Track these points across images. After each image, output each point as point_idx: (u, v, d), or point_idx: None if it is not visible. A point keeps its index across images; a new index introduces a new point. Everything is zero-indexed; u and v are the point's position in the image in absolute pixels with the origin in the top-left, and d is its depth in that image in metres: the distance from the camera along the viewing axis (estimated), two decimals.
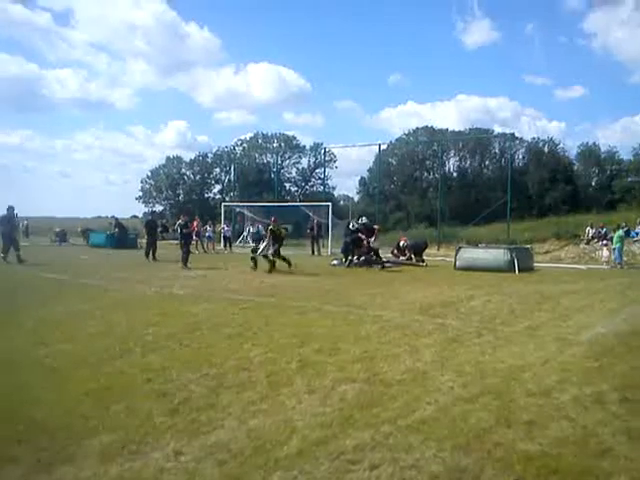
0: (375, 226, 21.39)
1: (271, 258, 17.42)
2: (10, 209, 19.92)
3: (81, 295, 11.50)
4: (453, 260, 19.27)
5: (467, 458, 3.75)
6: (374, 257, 20.90)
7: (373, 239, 19.10)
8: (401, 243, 22.02)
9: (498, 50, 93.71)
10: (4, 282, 13.48)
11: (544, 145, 61.44)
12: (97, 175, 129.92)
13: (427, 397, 5.04)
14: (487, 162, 62.35)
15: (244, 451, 3.84)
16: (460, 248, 19.63)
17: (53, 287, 12.97)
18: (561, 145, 62.06)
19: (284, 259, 17.85)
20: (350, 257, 19.89)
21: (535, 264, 19.29)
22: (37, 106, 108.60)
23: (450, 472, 3.56)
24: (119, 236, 30.30)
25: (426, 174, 61.79)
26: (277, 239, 17.62)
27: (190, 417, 4.48)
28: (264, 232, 20.13)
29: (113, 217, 33.24)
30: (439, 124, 71.42)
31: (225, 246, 30.85)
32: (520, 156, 61.03)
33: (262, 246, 18.03)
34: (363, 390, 5.24)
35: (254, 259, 17.93)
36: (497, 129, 69.62)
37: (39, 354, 6.45)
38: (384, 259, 21.24)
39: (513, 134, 60.19)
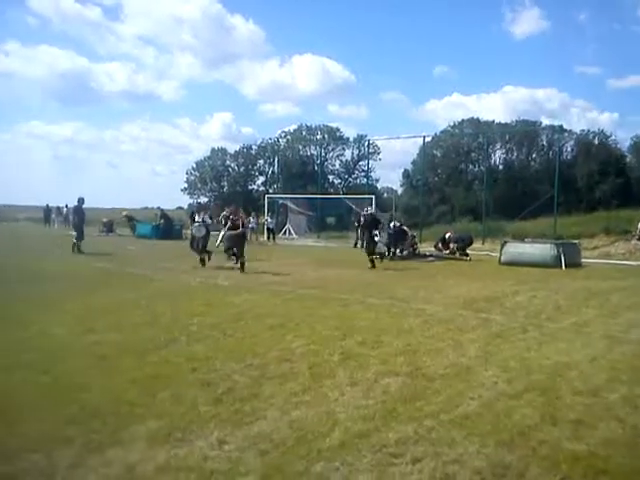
0: (405, 228, 21.16)
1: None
2: (80, 200, 20.63)
3: (128, 284, 11.76)
4: (498, 255, 18.97)
5: (511, 455, 3.70)
6: (417, 251, 20.83)
7: (377, 231, 18.15)
8: (447, 235, 21.73)
9: (547, 40, 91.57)
10: (56, 271, 13.85)
11: (594, 137, 59.77)
12: (143, 166, 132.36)
13: (470, 392, 4.99)
14: (534, 155, 61.02)
15: (286, 442, 3.87)
16: (505, 242, 19.29)
17: (101, 276, 13.29)
18: (613, 137, 60.25)
19: (234, 254, 16.21)
20: (393, 250, 19.79)
21: (583, 260, 18.82)
22: (87, 99, 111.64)
23: (494, 468, 3.52)
24: (165, 227, 30.78)
25: (471, 167, 60.90)
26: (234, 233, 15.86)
27: (234, 407, 4.54)
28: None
29: (159, 208, 33.79)
30: (485, 116, 70.30)
31: (268, 238, 31.06)
32: (568, 148, 59.53)
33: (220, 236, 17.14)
34: (406, 383, 5.22)
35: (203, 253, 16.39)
36: (545, 121, 68.25)
37: (88, 341, 6.63)
38: (427, 253, 21.12)
39: (561, 126, 58.70)
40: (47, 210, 47.64)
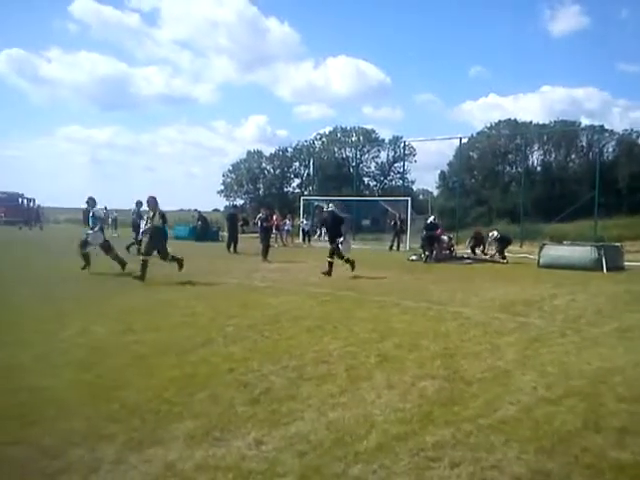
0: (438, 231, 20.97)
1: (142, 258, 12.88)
2: (138, 204, 21.16)
3: (165, 286, 11.91)
4: (536, 257, 18.69)
5: (552, 462, 3.63)
6: (454, 253, 20.67)
7: (341, 237, 15.71)
8: (491, 234, 21.38)
9: (587, 37, 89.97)
10: (98, 272, 14.11)
11: (637, 137, 58.43)
12: (180, 168, 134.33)
13: (509, 397, 4.92)
14: (573, 156, 59.99)
15: (324, 443, 3.87)
16: (544, 245, 19.01)
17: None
18: None
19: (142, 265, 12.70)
20: (428, 252, 19.66)
21: (626, 263, 18.41)
22: (125, 103, 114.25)
23: (534, 475, 3.45)
24: (202, 229, 31.15)
25: (508, 168, 60.17)
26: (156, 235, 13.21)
27: (271, 407, 4.56)
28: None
29: (196, 210, 34.19)
30: (522, 117, 69.19)
31: (304, 240, 31.14)
32: (609, 149, 58.33)
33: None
34: (443, 387, 5.17)
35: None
36: (584, 121, 66.85)
37: (128, 340, 6.74)
38: (464, 255, 20.94)
39: (602, 126, 57.56)
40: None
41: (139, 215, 20.49)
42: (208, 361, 5.93)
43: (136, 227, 20.31)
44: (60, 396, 4.75)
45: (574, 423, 4.30)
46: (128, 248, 19.56)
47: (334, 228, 15.40)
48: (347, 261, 14.95)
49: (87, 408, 4.46)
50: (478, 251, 21.57)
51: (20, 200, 52.52)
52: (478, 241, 21.85)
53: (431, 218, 21.41)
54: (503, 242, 20.77)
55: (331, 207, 16.53)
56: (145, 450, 3.72)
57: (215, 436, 3.97)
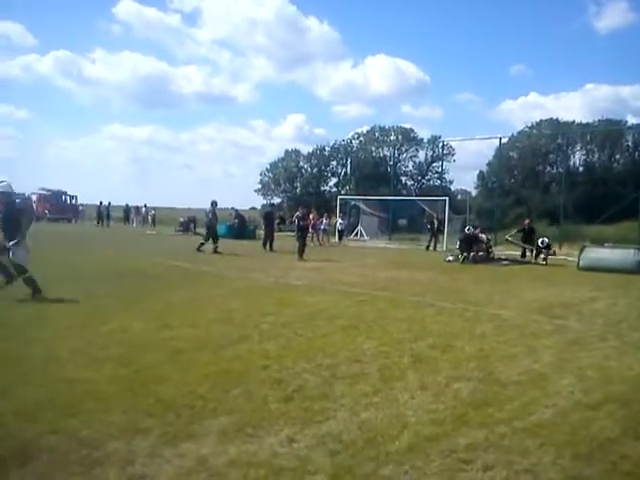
0: (478, 233, 20.68)
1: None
2: (213, 204, 21.93)
3: (202, 282, 12.07)
4: (576, 260, 18.32)
5: (589, 468, 3.56)
6: (492, 254, 20.41)
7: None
8: (541, 240, 20.86)
9: (636, 33, 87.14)
10: (134, 268, 14.37)
11: None
12: (218, 167, 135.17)
13: (545, 400, 4.85)
14: (617, 155, 58.41)
15: (356, 443, 3.88)
16: (584, 247, 18.60)
17: (178, 274, 13.65)
18: None
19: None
20: (466, 253, 19.45)
21: None
22: (165, 101, 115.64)
23: None
24: (239, 227, 31.39)
25: (549, 168, 58.94)
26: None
27: (304, 405, 4.58)
28: None
29: (233, 209, 34.46)
30: (564, 116, 67.57)
31: (338, 239, 31.11)
32: None
33: None
34: (477, 389, 5.12)
35: None
36: (630, 120, 65.18)
37: (165, 336, 6.85)
38: (503, 257, 20.69)
39: None
40: (127, 210, 49.62)
41: (214, 214, 21.48)
42: (243, 357, 5.99)
43: (210, 228, 21.19)
44: (98, 391, 4.86)
45: (613, 429, 4.21)
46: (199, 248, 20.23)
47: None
48: None
49: (123, 403, 4.55)
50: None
51: (63, 197, 53.89)
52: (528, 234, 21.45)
53: (467, 229, 21.11)
54: (548, 247, 20.42)
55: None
56: (179, 444, 3.78)
57: (248, 432, 4.01)
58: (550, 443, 3.91)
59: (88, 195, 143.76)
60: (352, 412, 4.46)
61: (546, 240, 20.52)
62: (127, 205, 50.49)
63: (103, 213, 44.63)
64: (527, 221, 22.44)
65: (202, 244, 20.68)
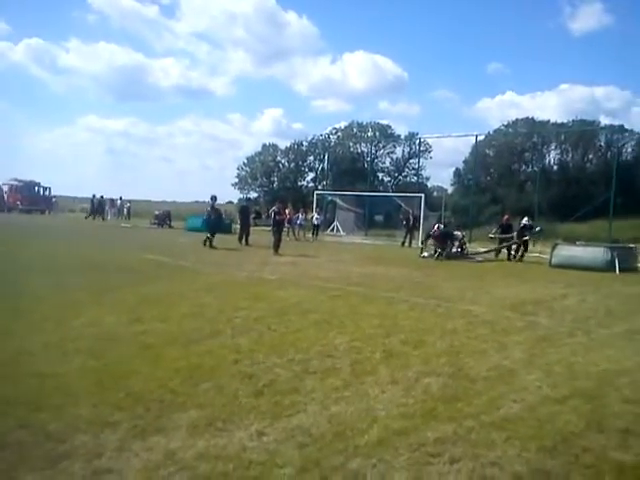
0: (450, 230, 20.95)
1: None
2: (213, 198, 22.37)
3: (176, 276, 11.99)
4: (548, 257, 18.57)
5: (553, 461, 3.64)
6: (466, 251, 20.60)
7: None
8: (524, 221, 21.15)
9: (610, 35, 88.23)
10: (110, 262, 14.24)
11: None
12: (195, 161, 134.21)
13: (513, 395, 4.93)
14: (591, 155, 59.25)
15: (325, 436, 3.90)
16: (557, 245, 18.87)
17: (151, 268, 13.52)
18: None
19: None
20: (440, 250, 19.61)
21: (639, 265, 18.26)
22: (142, 94, 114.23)
23: (534, 474, 3.47)
24: (215, 221, 31.23)
25: (524, 167, 59.57)
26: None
27: (274, 400, 4.60)
28: None
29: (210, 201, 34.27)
30: (540, 115, 68.42)
31: (313, 234, 31.11)
32: (629, 149, 57.53)
33: None
34: (447, 384, 5.18)
35: None
36: (603, 120, 66.07)
37: (136, 330, 6.80)
38: (480, 251, 20.94)
39: (622, 126, 56.86)
40: (102, 202, 48.91)
41: (214, 209, 21.89)
42: (214, 352, 5.98)
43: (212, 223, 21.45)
44: (66, 384, 4.82)
45: (577, 423, 4.29)
46: (205, 243, 20.23)
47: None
48: None
49: (92, 396, 4.52)
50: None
51: (36, 189, 53.00)
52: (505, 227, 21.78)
53: (437, 225, 21.40)
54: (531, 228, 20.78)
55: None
56: (148, 438, 3.77)
57: (218, 426, 4.01)
58: (516, 437, 3.98)
59: (62, 187, 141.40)
60: (322, 406, 4.48)
61: (528, 222, 20.88)
62: (102, 197, 49.80)
63: (97, 206, 43.88)
64: (506, 217, 22.66)
65: (209, 240, 20.60)
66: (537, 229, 21.92)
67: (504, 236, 21.43)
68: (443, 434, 4.00)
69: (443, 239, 19.79)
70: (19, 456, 3.46)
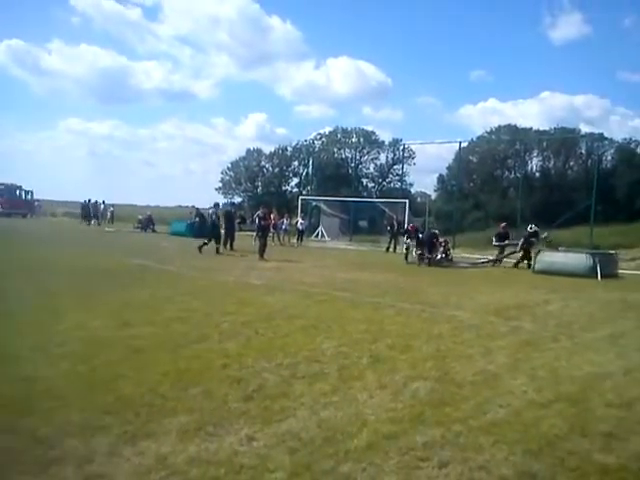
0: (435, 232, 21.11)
1: None
2: (216, 206, 22.78)
3: (162, 281, 11.97)
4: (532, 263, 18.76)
5: (539, 464, 3.70)
6: (450, 257, 20.73)
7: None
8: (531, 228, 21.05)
9: (589, 45, 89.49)
10: (96, 267, 14.16)
11: (636, 146, 58.47)
12: (178, 165, 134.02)
13: (499, 400, 4.98)
14: (572, 163, 59.98)
15: (315, 441, 3.93)
16: (539, 251, 19.06)
17: (138, 272, 13.48)
18: None
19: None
20: (425, 256, 19.72)
21: (620, 271, 18.50)
22: (125, 97, 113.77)
23: (520, 476, 3.52)
24: (199, 225, 31.16)
25: (507, 173, 60.12)
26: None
27: (263, 404, 4.61)
28: None
29: (193, 207, 34.20)
30: (521, 122, 69.00)
31: (298, 239, 31.13)
32: (608, 157, 58.35)
33: None
34: (434, 389, 5.23)
35: None
36: (583, 128, 66.75)
37: (124, 334, 6.79)
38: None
39: (602, 134, 57.64)
40: (85, 206, 48.46)
41: (217, 215, 21.94)
42: (202, 357, 5.98)
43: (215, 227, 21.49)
44: (55, 388, 4.80)
45: (562, 427, 4.36)
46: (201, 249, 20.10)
47: None
48: None
49: (81, 400, 4.51)
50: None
51: (18, 192, 52.45)
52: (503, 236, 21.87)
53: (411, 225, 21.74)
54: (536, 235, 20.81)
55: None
56: (138, 443, 3.77)
57: (208, 431, 4.02)
58: (503, 441, 4.04)
59: (44, 190, 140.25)
60: (312, 411, 4.51)
61: (534, 227, 20.96)
62: (88, 200, 49.33)
63: (92, 211, 43.48)
64: (503, 224, 22.81)
65: (217, 248, 20.64)
66: (545, 235, 21.83)
67: (504, 243, 21.52)
68: (432, 438, 4.04)
69: (429, 245, 19.89)
70: (9, 461, 3.45)
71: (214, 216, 21.87)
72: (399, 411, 4.58)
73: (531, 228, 20.95)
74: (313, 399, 4.79)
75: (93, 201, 44.87)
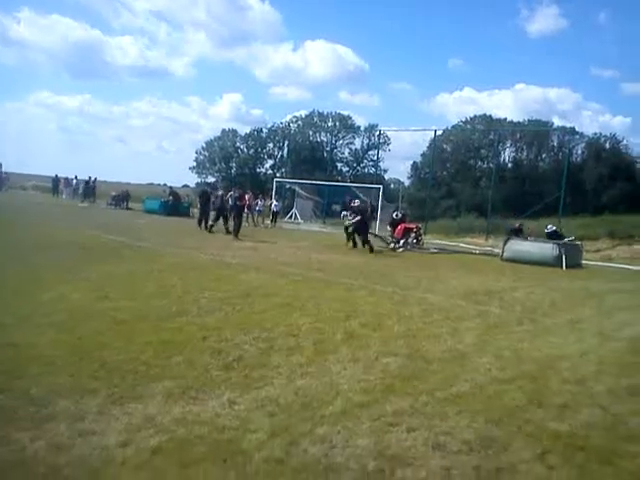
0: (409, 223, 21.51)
1: None
2: (214, 187, 21.90)
3: (139, 257, 12.07)
4: (500, 251, 19.24)
5: (498, 430, 4.03)
6: (422, 242, 21.14)
7: None
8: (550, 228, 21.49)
9: (564, 39, 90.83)
10: (72, 241, 14.17)
11: (606, 141, 59.62)
12: (151, 142, 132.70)
13: (465, 375, 5.31)
14: (544, 155, 60.97)
15: (292, 406, 4.21)
16: (508, 240, 19.54)
17: (114, 248, 13.53)
18: (624, 142, 59.94)
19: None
20: (396, 240, 20.09)
21: (584, 262, 19.08)
22: (98, 72, 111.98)
23: (481, 440, 3.84)
24: (173, 204, 31.14)
25: (480, 163, 60.86)
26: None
27: (243, 373, 4.87)
28: None
29: (166, 185, 34.14)
30: (496, 113, 70.02)
31: (272, 220, 31.29)
32: (579, 151, 59.44)
33: None
34: (404, 364, 5.53)
35: None
36: (556, 121, 68.21)
37: (105, 307, 6.97)
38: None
39: (573, 128, 58.73)
40: (55, 180, 47.80)
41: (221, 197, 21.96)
42: (183, 329, 6.20)
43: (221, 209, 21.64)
44: (42, 354, 4.99)
45: (521, 400, 4.71)
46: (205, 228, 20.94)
47: None
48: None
49: (69, 366, 4.72)
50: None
51: None
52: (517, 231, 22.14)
53: (395, 214, 22.06)
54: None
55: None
56: (126, 404, 4.00)
57: (191, 395, 4.27)
58: (467, 410, 4.36)
59: (11, 163, 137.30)
60: (289, 379, 4.78)
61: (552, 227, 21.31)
62: (56, 176, 48.60)
63: (62, 185, 42.84)
64: (518, 223, 23.38)
65: (212, 225, 21.37)
66: (571, 238, 21.41)
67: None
68: (401, 407, 4.35)
69: (403, 230, 20.26)
70: (5, 418, 3.65)
71: (226, 196, 21.87)
72: (371, 382, 4.87)
73: (553, 229, 21.42)
74: (290, 369, 5.06)
75: (68, 177, 44.29)
